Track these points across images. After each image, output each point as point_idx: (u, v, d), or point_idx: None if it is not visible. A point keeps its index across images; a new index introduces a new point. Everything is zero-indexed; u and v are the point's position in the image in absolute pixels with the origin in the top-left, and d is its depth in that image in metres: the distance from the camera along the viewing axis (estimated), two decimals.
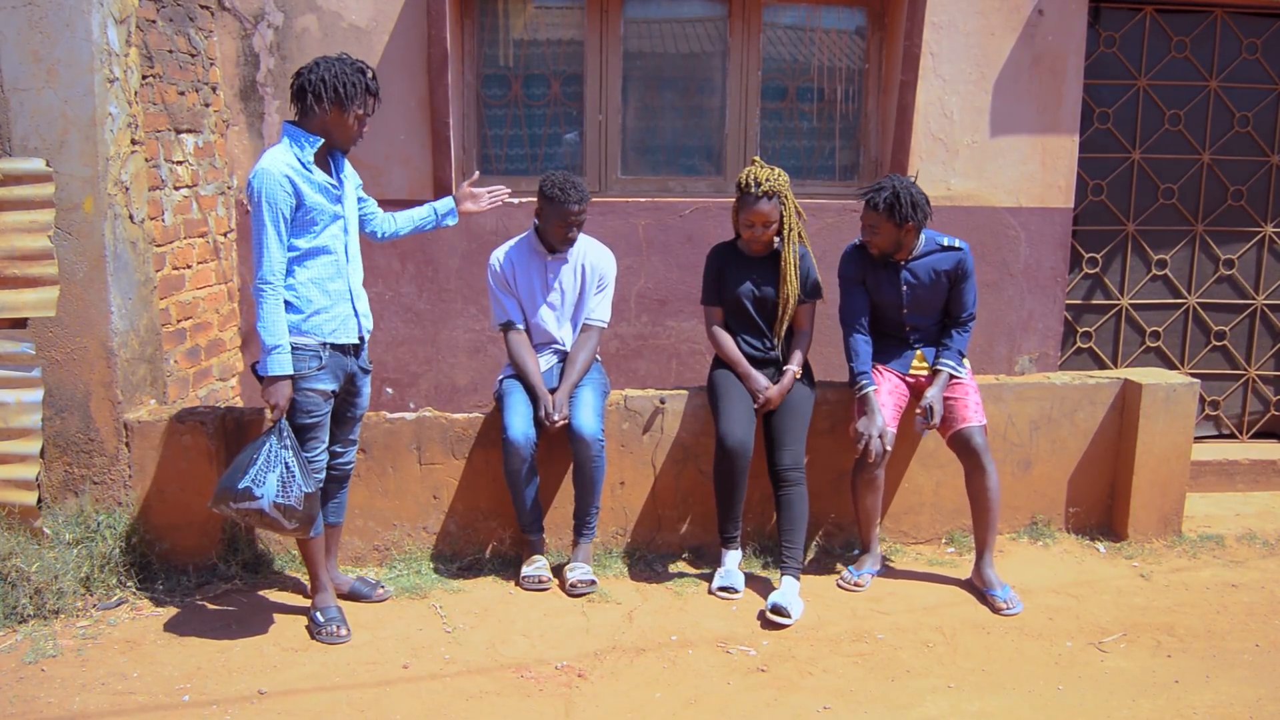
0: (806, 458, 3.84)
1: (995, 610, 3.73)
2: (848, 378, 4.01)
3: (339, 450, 3.62)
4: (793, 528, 3.78)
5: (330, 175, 3.36)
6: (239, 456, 3.30)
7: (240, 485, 3.23)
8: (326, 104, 3.22)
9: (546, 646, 3.43)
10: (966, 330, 3.94)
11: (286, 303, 3.28)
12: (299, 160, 3.25)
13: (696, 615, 3.67)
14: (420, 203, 4.82)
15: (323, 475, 3.47)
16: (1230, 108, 5.26)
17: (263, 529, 3.38)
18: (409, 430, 3.96)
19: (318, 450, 3.44)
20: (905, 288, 3.87)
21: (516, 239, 4.03)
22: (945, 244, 3.87)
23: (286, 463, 3.26)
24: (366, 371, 3.58)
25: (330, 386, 3.40)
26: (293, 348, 3.29)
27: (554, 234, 3.85)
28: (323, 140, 3.28)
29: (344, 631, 3.47)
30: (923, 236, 3.86)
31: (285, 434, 3.28)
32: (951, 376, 3.87)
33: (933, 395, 3.81)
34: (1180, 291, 5.40)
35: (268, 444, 3.26)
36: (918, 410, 3.84)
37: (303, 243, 3.29)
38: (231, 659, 3.32)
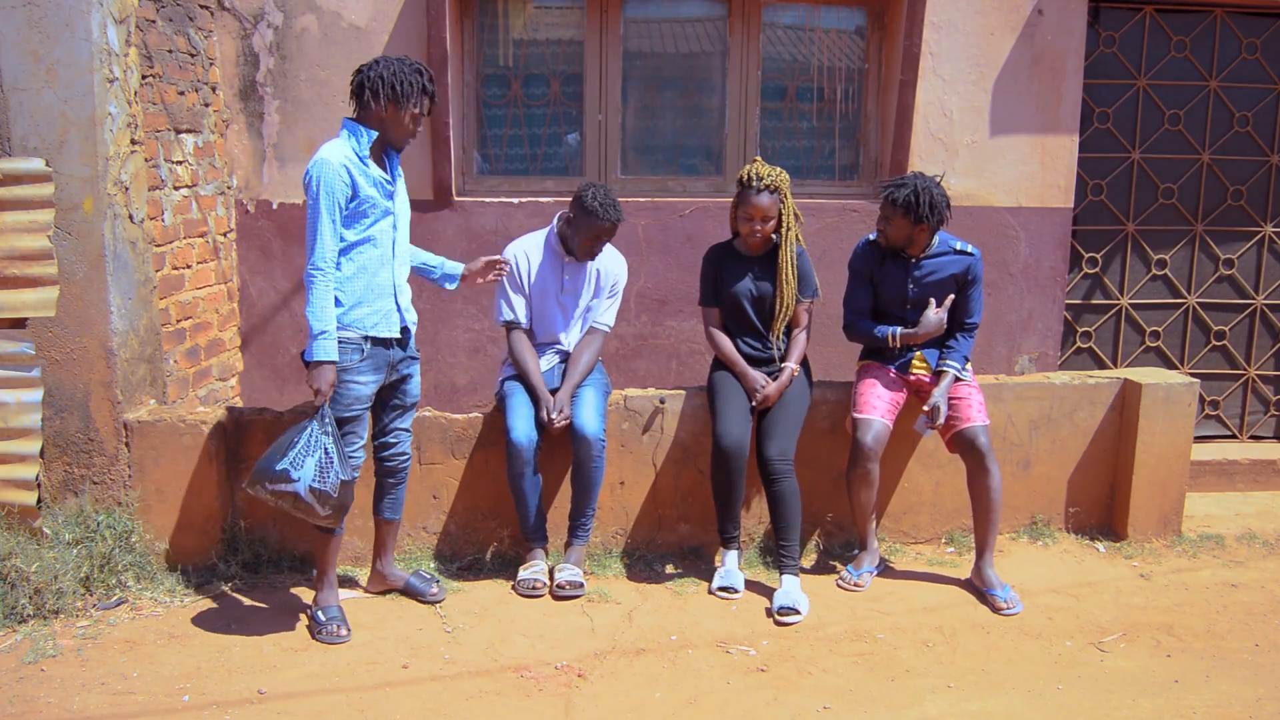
0: (805, 456, 3.84)
1: (995, 610, 3.73)
2: (856, 370, 4.05)
3: (391, 441, 3.65)
4: (787, 524, 3.77)
5: (385, 171, 3.43)
6: (279, 439, 3.31)
7: (278, 467, 3.24)
8: (383, 100, 3.30)
9: (546, 646, 3.44)
10: (971, 335, 3.96)
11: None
12: (356, 153, 3.32)
13: (696, 615, 3.67)
14: (419, 203, 4.87)
15: (359, 470, 3.50)
16: (1230, 107, 5.26)
17: (295, 514, 3.37)
18: None
19: (355, 446, 3.47)
20: (912, 284, 3.89)
21: (536, 236, 4.01)
22: (958, 248, 3.90)
23: (326, 448, 3.28)
24: (414, 359, 3.62)
25: (371, 379, 3.43)
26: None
27: (580, 244, 3.86)
28: (378, 135, 3.35)
29: (344, 631, 3.48)
30: (937, 237, 3.90)
31: (327, 420, 3.30)
32: (956, 378, 3.88)
33: (938, 395, 3.82)
34: (1180, 291, 5.40)
35: (309, 428, 3.28)
36: (924, 409, 3.85)
37: (351, 234, 3.35)
38: (231, 659, 3.32)
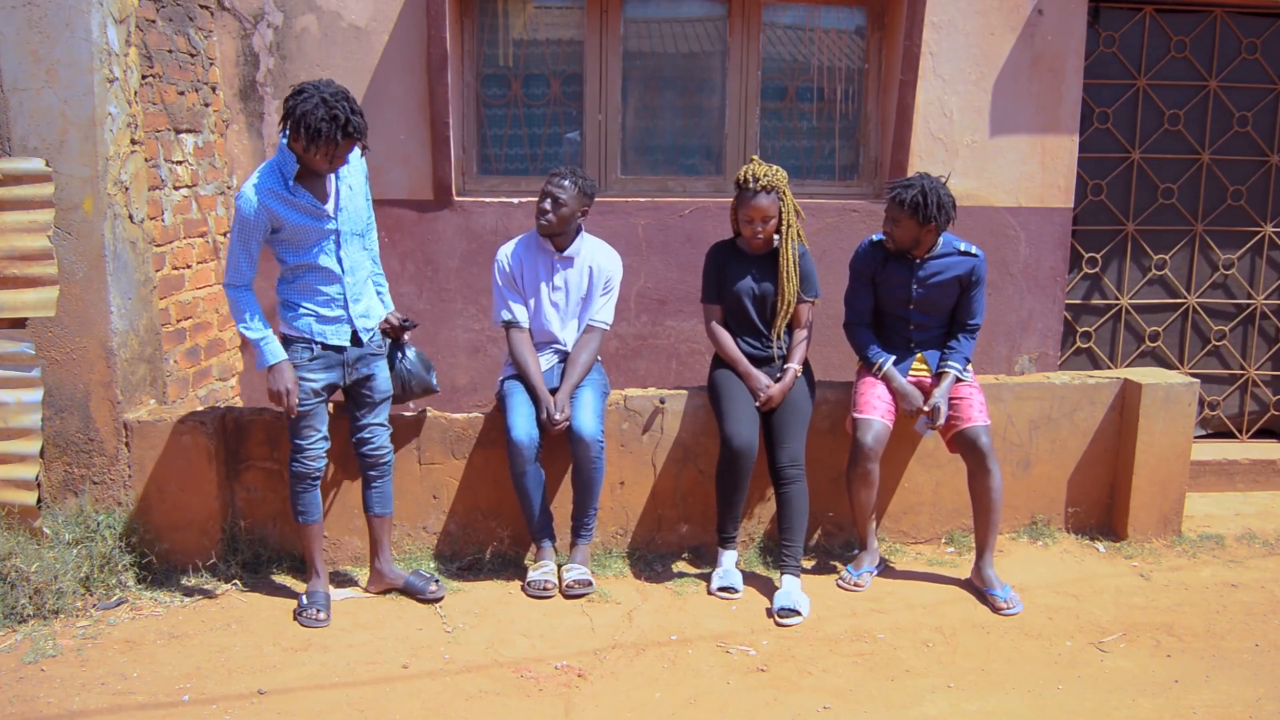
0: (806, 456, 3.85)
1: (995, 610, 3.73)
2: (856, 370, 4.04)
3: (367, 436, 3.68)
4: (792, 526, 3.78)
5: (323, 192, 3.42)
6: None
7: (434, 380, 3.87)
8: (291, 135, 3.27)
9: (546, 646, 3.44)
10: (972, 337, 3.97)
11: (282, 302, 3.47)
12: (283, 182, 3.34)
13: (696, 615, 3.68)
14: (419, 203, 4.87)
15: (321, 464, 3.58)
16: (1230, 107, 5.26)
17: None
18: (409, 430, 3.96)
19: (312, 439, 3.53)
20: (915, 285, 3.89)
21: (524, 235, 4.02)
22: (962, 249, 3.90)
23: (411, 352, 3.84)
24: (376, 356, 3.65)
25: (322, 376, 3.50)
26: (285, 338, 3.46)
27: (537, 211, 3.87)
28: (298, 165, 3.35)
29: (322, 616, 3.55)
30: (941, 238, 3.89)
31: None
32: (957, 379, 3.89)
33: (939, 396, 3.83)
34: (1179, 291, 5.40)
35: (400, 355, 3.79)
36: (924, 409, 3.85)
37: (292, 258, 3.44)
38: (231, 659, 3.32)
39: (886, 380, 3.91)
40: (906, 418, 3.96)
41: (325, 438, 3.58)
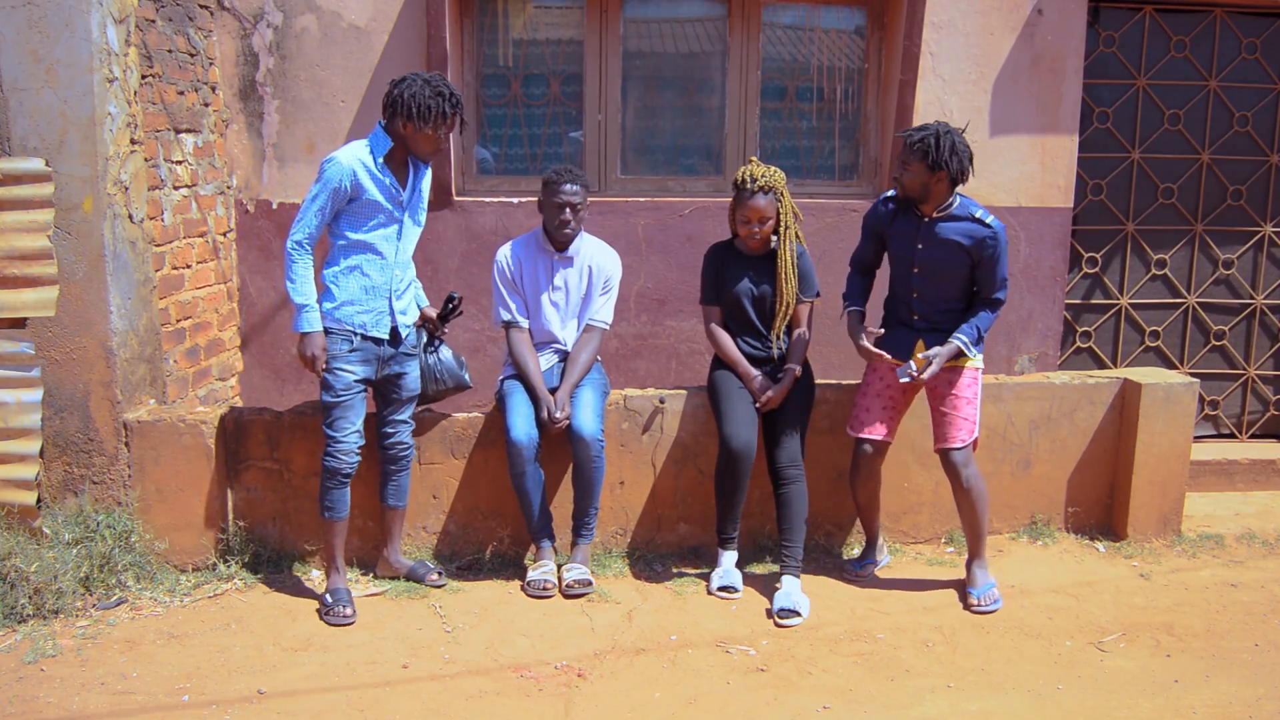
0: (805, 457, 3.85)
1: (965, 606, 3.73)
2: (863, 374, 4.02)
3: (390, 431, 3.77)
4: (791, 526, 3.78)
5: (403, 180, 3.56)
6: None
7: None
8: (402, 119, 3.42)
9: (546, 646, 3.44)
10: (991, 311, 3.72)
11: (326, 290, 3.53)
12: (372, 158, 3.47)
13: (696, 615, 3.68)
14: None
15: (355, 460, 3.61)
16: (1230, 107, 5.26)
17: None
18: None
19: (347, 431, 3.57)
20: (921, 245, 3.68)
21: (524, 236, 4.03)
22: (978, 216, 3.65)
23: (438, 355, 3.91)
24: (409, 355, 3.74)
25: (360, 369, 3.57)
26: (326, 331, 3.53)
27: (550, 221, 3.86)
28: (396, 145, 3.49)
29: (349, 611, 3.59)
30: (958, 200, 3.69)
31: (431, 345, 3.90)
32: (962, 354, 3.68)
33: (935, 357, 3.61)
34: (1180, 291, 5.40)
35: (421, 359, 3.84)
36: (915, 357, 3.65)
37: (353, 233, 3.53)
38: (231, 659, 3.32)
39: (852, 337, 3.81)
40: (905, 423, 3.93)
41: (359, 432, 3.61)
